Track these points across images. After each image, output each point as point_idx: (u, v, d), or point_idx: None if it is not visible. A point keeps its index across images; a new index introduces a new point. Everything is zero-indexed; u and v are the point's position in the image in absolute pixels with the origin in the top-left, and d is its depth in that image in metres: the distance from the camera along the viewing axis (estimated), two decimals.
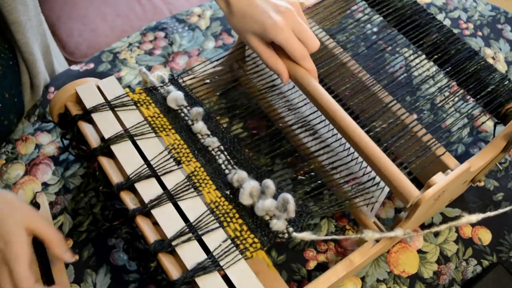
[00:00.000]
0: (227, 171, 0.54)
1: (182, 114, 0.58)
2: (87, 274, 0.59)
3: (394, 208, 0.65)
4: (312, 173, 0.58)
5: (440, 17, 0.87)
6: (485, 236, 0.64)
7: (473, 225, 0.65)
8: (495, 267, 0.61)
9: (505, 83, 0.60)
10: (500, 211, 0.56)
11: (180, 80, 0.62)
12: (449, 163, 0.57)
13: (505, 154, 0.59)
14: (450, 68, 0.61)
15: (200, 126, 0.57)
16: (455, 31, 0.83)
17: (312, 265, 0.61)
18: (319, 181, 0.57)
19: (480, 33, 0.85)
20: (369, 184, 0.55)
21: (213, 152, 0.55)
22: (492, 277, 0.60)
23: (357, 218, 0.59)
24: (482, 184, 0.68)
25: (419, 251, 0.62)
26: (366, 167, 0.54)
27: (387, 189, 0.53)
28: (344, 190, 0.58)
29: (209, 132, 0.57)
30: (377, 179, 0.54)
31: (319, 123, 0.60)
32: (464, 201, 0.66)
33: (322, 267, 0.61)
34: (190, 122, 0.57)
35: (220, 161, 0.55)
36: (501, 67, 0.81)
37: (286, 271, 0.60)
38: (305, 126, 0.61)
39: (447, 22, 0.87)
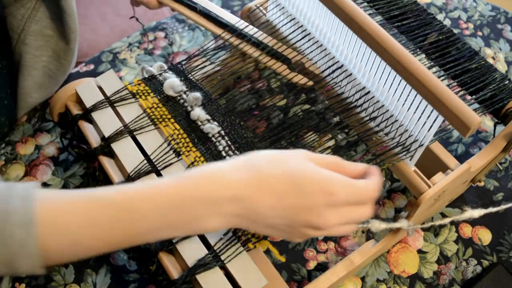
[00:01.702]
0: (227, 158, 0.53)
1: (182, 101, 0.57)
2: (87, 274, 0.59)
3: (394, 208, 0.65)
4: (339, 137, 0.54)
5: (440, 17, 0.87)
6: (485, 236, 0.64)
7: (473, 225, 0.65)
8: (495, 267, 0.61)
9: (505, 83, 0.60)
10: (503, 207, 0.56)
11: (179, 65, 0.61)
12: (449, 163, 0.57)
13: (505, 154, 0.59)
14: (450, 68, 0.60)
15: (197, 113, 0.55)
16: (455, 31, 0.83)
17: (312, 265, 0.61)
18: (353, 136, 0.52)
19: (480, 33, 0.85)
20: (413, 124, 0.51)
21: (213, 139, 0.54)
22: (492, 277, 0.60)
23: (395, 171, 0.55)
24: (482, 184, 0.68)
25: (419, 251, 0.62)
26: (411, 103, 0.51)
27: (434, 128, 0.49)
28: (382, 140, 0.55)
29: (209, 117, 0.56)
30: (422, 119, 0.50)
31: (360, 62, 0.56)
32: (464, 201, 0.66)
33: (322, 267, 0.61)
34: (189, 109, 0.56)
35: (221, 147, 0.53)
36: (501, 67, 0.81)
37: (286, 271, 0.60)
38: (341, 69, 0.58)
39: (447, 22, 0.87)
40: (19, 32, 0.64)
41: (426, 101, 0.48)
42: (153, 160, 0.52)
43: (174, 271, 0.46)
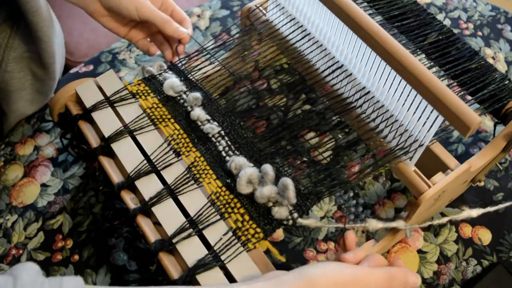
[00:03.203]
0: (227, 158, 0.52)
1: (181, 101, 0.57)
2: (87, 274, 0.59)
3: (394, 208, 0.65)
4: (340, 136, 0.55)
5: (440, 17, 0.87)
6: (485, 236, 0.64)
7: (473, 225, 0.65)
8: (495, 267, 0.61)
9: (505, 83, 0.60)
10: (501, 206, 0.56)
11: (179, 64, 0.61)
12: (449, 163, 0.57)
13: (505, 154, 0.59)
14: (450, 68, 0.61)
15: (197, 113, 0.55)
16: (455, 31, 0.83)
17: None
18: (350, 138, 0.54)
19: (480, 33, 0.85)
20: (412, 124, 0.51)
21: (213, 139, 0.54)
22: (492, 277, 0.60)
23: (395, 171, 0.55)
24: (482, 184, 0.68)
25: (419, 251, 0.62)
26: (411, 103, 0.51)
27: (434, 128, 0.50)
28: (381, 140, 0.55)
29: (209, 117, 0.56)
30: (422, 119, 0.50)
31: (359, 62, 0.56)
32: (464, 201, 0.66)
33: None
34: (189, 109, 0.56)
35: (221, 147, 0.53)
36: (501, 67, 0.81)
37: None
38: (341, 69, 0.58)
39: (447, 22, 0.87)
40: (0, 61, 0.64)
41: (426, 101, 0.48)
42: (153, 160, 0.52)
43: (174, 271, 0.45)
